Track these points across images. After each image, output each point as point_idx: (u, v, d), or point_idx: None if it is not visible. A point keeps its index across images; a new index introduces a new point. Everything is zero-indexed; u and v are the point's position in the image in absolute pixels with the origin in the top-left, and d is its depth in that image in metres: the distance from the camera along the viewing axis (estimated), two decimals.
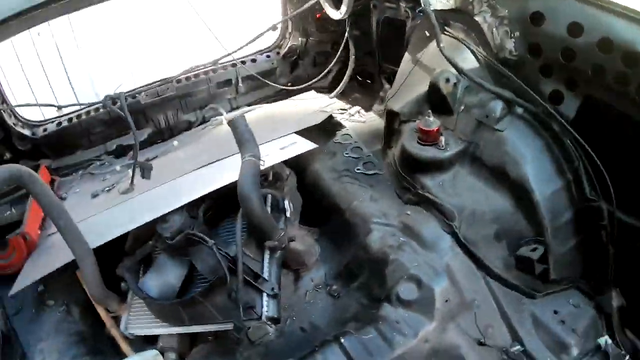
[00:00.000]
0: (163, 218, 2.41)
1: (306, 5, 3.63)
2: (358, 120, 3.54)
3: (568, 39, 2.23)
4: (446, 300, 2.26)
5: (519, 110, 2.47)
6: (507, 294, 2.36)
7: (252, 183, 2.28)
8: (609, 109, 2.20)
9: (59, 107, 3.60)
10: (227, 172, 2.60)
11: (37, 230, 2.78)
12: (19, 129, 3.36)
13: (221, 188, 2.47)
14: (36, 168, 3.12)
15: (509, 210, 2.41)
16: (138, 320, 2.43)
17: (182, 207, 2.44)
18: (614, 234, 2.21)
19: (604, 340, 2.19)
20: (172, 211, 2.41)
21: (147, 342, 2.42)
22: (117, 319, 2.48)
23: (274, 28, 3.89)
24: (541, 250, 2.29)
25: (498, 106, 2.48)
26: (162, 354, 2.31)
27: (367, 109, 3.73)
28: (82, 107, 3.60)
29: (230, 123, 2.51)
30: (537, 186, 2.31)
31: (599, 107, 2.24)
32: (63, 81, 5.87)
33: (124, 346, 2.42)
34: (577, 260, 2.37)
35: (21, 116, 3.42)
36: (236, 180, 2.32)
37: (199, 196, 2.46)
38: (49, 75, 5.77)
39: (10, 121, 3.28)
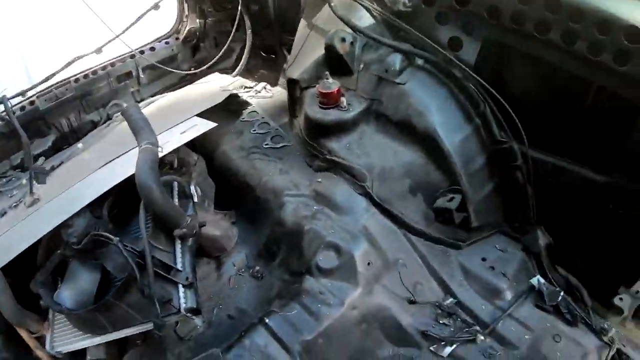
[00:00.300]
0: (66, 223, 2.29)
1: None
2: (264, 96, 3.47)
3: None
4: (368, 264, 2.23)
5: (419, 61, 2.45)
6: (432, 249, 2.35)
7: (150, 171, 2.17)
8: (508, 49, 2.20)
9: None
10: (126, 165, 2.47)
11: None
12: None
13: (124, 182, 2.35)
14: None
15: (420, 162, 2.38)
16: (63, 337, 2.30)
17: (85, 209, 2.32)
18: (529, 173, 2.22)
19: (537, 280, 2.22)
20: (75, 214, 2.29)
21: (77, 357, 2.31)
22: (41, 339, 2.35)
23: (156, 7, 3.75)
24: (458, 199, 2.28)
25: (397, 59, 2.45)
26: None
27: (274, 83, 3.69)
28: None
29: (123, 112, 2.39)
30: (445, 135, 2.29)
31: (498, 48, 2.24)
32: None
33: None
34: (497, 204, 2.37)
35: None
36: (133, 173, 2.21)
37: (98, 195, 2.34)
38: None
39: None
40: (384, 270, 2.25)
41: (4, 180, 3.26)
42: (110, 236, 2.15)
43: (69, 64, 3.52)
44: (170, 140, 2.52)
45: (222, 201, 2.79)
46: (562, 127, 2.19)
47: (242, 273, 2.57)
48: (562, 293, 2.16)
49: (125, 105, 3.42)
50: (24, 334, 2.36)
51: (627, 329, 2.16)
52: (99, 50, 3.59)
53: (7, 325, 2.36)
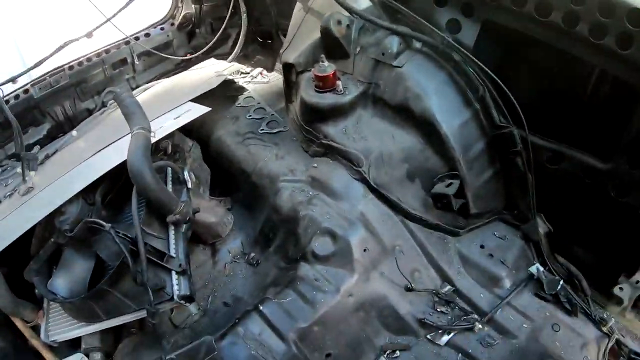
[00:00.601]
0: (59, 210, 2.26)
1: None
2: (261, 81, 3.45)
3: None
4: (365, 250, 2.21)
5: (417, 44, 2.41)
6: (430, 235, 2.33)
7: (142, 156, 2.13)
8: (508, 31, 2.15)
9: None
10: (121, 151, 2.42)
11: None
12: None
13: (117, 168, 2.32)
14: None
15: (418, 147, 2.35)
16: (58, 326, 2.31)
17: (77, 196, 2.29)
18: (529, 159, 2.18)
19: (536, 268, 2.23)
20: (68, 201, 2.26)
21: (72, 346, 2.32)
22: (36, 328, 2.36)
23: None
24: (456, 185, 2.26)
25: (394, 42, 2.42)
26: (87, 355, 2.26)
27: (270, 69, 3.68)
28: None
29: (115, 97, 2.36)
30: (443, 119, 2.25)
31: (498, 31, 2.20)
32: None
33: (48, 355, 2.31)
34: (496, 191, 2.35)
35: None
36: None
37: (91, 181, 2.31)
38: None
39: None
40: (381, 257, 2.23)
41: None
42: (103, 223, 2.12)
43: (60, 48, 3.46)
44: (164, 126, 2.49)
45: (218, 187, 2.78)
46: (563, 113, 2.17)
47: (237, 260, 2.56)
48: (561, 282, 2.15)
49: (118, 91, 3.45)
50: (19, 323, 2.37)
51: (626, 319, 2.15)
52: (89, 35, 3.53)
53: (1, 315, 2.37)
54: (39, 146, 3.26)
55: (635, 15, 1.72)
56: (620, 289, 2.09)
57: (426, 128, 2.30)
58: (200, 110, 2.70)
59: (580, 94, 2.12)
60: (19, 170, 3.05)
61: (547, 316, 2.10)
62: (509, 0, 2.04)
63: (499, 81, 2.14)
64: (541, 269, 2.21)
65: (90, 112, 3.64)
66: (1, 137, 3.40)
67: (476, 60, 2.20)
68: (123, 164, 2.22)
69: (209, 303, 2.38)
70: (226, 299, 2.39)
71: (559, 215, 2.28)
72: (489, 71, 2.17)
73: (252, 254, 2.53)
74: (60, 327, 2.30)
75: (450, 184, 2.27)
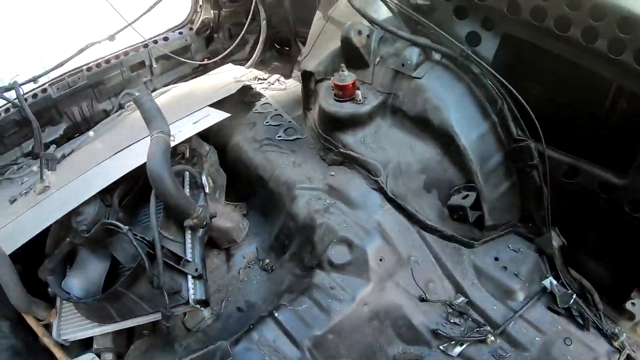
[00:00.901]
0: (76, 211, 2.29)
1: None
2: (278, 88, 3.47)
3: None
4: (381, 260, 2.22)
5: (437, 56, 2.43)
6: (445, 246, 2.34)
7: (162, 160, 2.15)
8: (527, 45, 2.16)
9: None
10: (138, 154, 2.48)
11: None
12: None
13: (135, 171, 2.36)
14: None
15: (436, 158, 2.37)
16: (70, 325, 2.33)
17: (95, 197, 2.32)
18: (546, 172, 2.19)
19: (549, 281, 2.22)
20: (85, 202, 2.29)
21: (84, 346, 2.34)
22: (48, 327, 2.37)
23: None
24: (473, 197, 2.27)
25: (414, 53, 2.43)
26: (99, 356, 2.27)
27: (287, 76, 3.70)
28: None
29: (135, 101, 2.38)
30: (461, 131, 2.27)
31: (517, 45, 2.21)
32: None
33: (59, 354, 2.31)
34: (511, 203, 2.35)
35: None
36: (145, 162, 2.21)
37: (109, 183, 2.35)
38: None
39: None
40: (397, 267, 2.24)
41: (15, 167, 3.30)
42: (120, 225, 2.15)
43: (81, 50, 3.51)
44: (182, 130, 2.53)
45: (233, 192, 2.81)
46: (579, 127, 2.18)
47: (252, 265, 2.57)
48: (574, 296, 2.15)
49: (137, 94, 3.47)
50: (31, 321, 2.39)
51: (638, 335, 2.14)
52: (111, 38, 3.57)
53: (15, 312, 2.38)
54: (55, 145, 3.28)
55: None
56: (633, 304, 2.08)
57: (444, 139, 2.31)
58: (220, 115, 2.73)
59: (597, 108, 2.12)
60: (34, 168, 3.11)
61: (559, 330, 2.09)
62: (529, 15, 2.04)
63: (517, 94, 2.15)
64: (554, 282, 2.21)
65: (107, 114, 3.68)
66: (18, 136, 3.43)
67: (495, 73, 2.21)
68: (141, 167, 2.26)
69: (222, 308, 2.40)
70: (240, 304, 2.40)
71: (573, 228, 2.27)
72: (507, 84, 2.18)
73: (267, 260, 2.55)
74: (73, 326, 2.32)
75: (467, 195, 2.28)
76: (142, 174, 2.26)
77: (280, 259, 2.52)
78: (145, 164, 2.21)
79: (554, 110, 2.20)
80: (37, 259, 2.37)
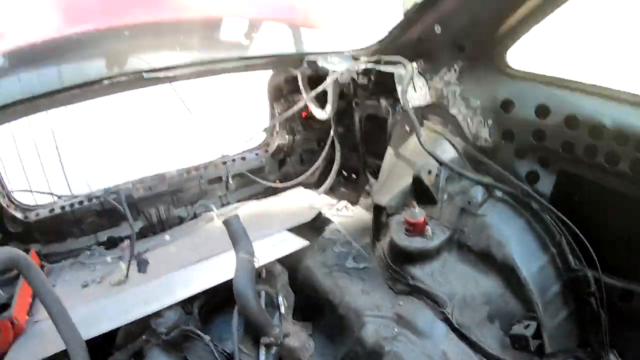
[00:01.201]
0: (158, 313, 2.45)
1: (294, 108, 3.82)
2: (346, 214, 3.61)
3: (537, 121, 2.42)
4: None
5: (499, 193, 2.61)
6: None
7: (247, 280, 2.34)
8: (581, 180, 2.35)
9: (59, 197, 3.67)
10: (221, 269, 2.67)
11: (25, 315, 2.74)
12: (11, 211, 3.39)
13: (217, 285, 2.53)
14: (26, 252, 3.01)
15: (499, 291, 2.47)
16: None
17: (177, 303, 2.48)
18: (603, 298, 2.27)
19: None
20: (167, 307, 2.46)
21: None
22: None
23: (266, 131, 4.13)
24: (534, 326, 2.33)
25: (479, 192, 2.63)
26: None
27: (354, 202, 3.82)
28: (78, 197, 3.64)
29: (225, 222, 2.59)
30: (523, 264, 2.39)
31: (573, 180, 2.40)
32: (56, 168, 6.06)
33: None
34: (570, 330, 2.41)
35: (15, 199, 3.47)
36: (231, 278, 2.39)
37: (194, 293, 2.52)
38: (43, 161, 5.96)
39: (4, 202, 3.33)
40: None
41: (88, 253, 3.51)
42: (201, 334, 2.31)
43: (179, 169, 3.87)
44: (263, 252, 2.69)
45: (299, 312, 2.90)
46: (632, 253, 2.25)
47: None
48: None
49: (212, 206, 3.74)
50: None
51: None
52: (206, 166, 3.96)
53: None
54: (128, 240, 3.50)
55: None
56: None
57: (507, 273, 2.43)
58: (299, 243, 2.92)
59: None
60: (108, 259, 3.36)
61: None
62: (582, 152, 2.24)
63: (574, 227, 2.30)
64: None
65: (181, 220, 3.87)
66: (95, 224, 3.64)
67: (552, 208, 2.38)
68: (223, 282, 2.45)
69: None
70: None
71: (632, 351, 2.30)
72: (564, 218, 2.34)
73: None
74: None
75: (528, 325, 2.34)
76: (220, 288, 2.46)
77: None
78: (228, 280, 2.41)
79: (609, 238, 2.30)
80: (101, 346, 2.47)
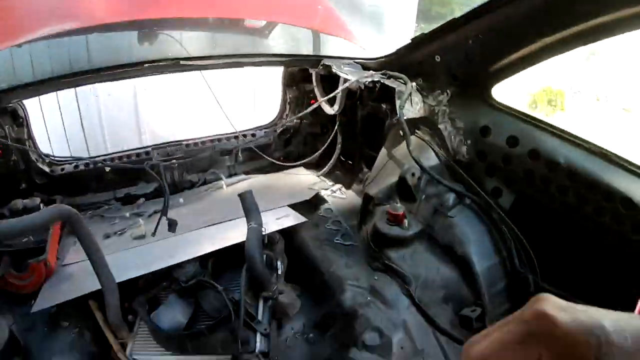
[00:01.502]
0: (179, 265, 2.88)
1: (309, 109, 4.17)
2: (339, 196, 4.05)
3: (507, 148, 2.82)
4: (401, 347, 2.69)
5: (468, 201, 3.08)
6: (454, 348, 2.77)
7: (256, 245, 2.83)
8: (535, 203, 2.80)
9: (95, 163, 3.95)
10: (233, 233, 3.12)
11: (55, 259, 2.99)
12: (39, 164, 3.69)
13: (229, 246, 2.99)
14: (51, 202, 3.38)
15: (455, 279, 2.92)
16: (142, 349, 2.70)
17: (195, 258, 2.93)
18: None
19: None
20: (187, 260, 2.91)
21: None
22: (123, 346, 2.79)
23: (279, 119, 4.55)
24: (479, 312, 2.78)
25: (451, 197, 3.08)
26: None
27: (347, 186, 4.22)
28: (114, 158, 3.99)
29: (240, 196, 3.02)
30: (477, 261, 2.84)
31: (528, 201, 2.85)
32: (77, 130, 6.31)
33: None
34: None
35: (43, 153, 3.79)
36: (242, 240, 2.87)
37: (210, 251, 2.98)
38: (64, 117, 6.22)
39: (33, 156, 3.64)
40: (413, 355, 2.69)
41: (106, 207, 3.89)
42: (216, 284, 2.78)
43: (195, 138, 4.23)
44: (268, 223, 3.14)
45: (290, 275, 3.32)
46: (567, 268, 2.66)
47: (297, 336, 3.02)
48: None
49: (221, 175, 4.18)
50: (111, 338, 2.77)
51: None
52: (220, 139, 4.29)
53: (97, 328, 2.83)
54: (144, 199, 3.95)
55: (627, 202, 2.28)
56: None
57: (463, 266, 2.86)
58: (298, 219, 3.36)
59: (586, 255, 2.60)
60: (127, 214, 3.69)
61: None
62: (539, 180, 2.69)
63: (523, 239, 2.77)
64: None
65: (192, 184, 4.24)
66: (115, 181, 4.00)
67: (508, 220, 2.84)
68: (235, 244, 2.93)
69: None
70: None
71: None
72: (516, 230, 2.80)
73: (311, 334, 3.00)
74: (145, 351, 2.70)
75: (474, 310, 2.78)
76: (233, 250, 2.91)
77: (322, 335, 2.97)
78: (238, 243, 2.90)
79: (551, 253, 2.72)
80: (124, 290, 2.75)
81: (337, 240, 3.46)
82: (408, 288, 2.96)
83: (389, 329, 2.76)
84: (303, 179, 4.28)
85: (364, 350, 2.70)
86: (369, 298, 2.96)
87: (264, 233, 2.99)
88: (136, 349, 2.76)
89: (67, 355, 2.64)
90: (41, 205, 3.20)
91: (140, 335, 2.84)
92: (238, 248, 2.92)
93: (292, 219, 3.40)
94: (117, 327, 2.75)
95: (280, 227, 3.27)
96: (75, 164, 3.90)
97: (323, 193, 4.03)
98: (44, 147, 3.95)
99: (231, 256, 3.02)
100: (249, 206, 3.03)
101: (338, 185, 4.22)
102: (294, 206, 3.60)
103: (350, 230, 3.57)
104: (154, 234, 3.29)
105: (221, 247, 3.00)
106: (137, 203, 4.02)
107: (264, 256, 3.02)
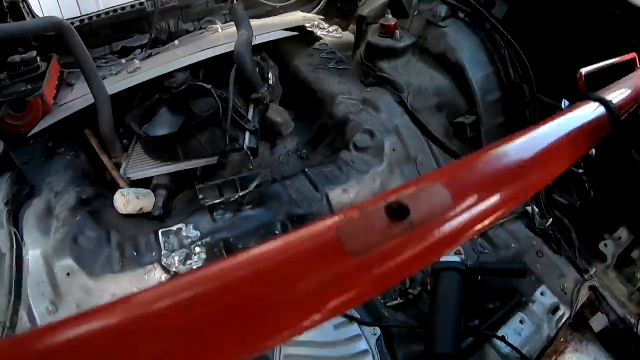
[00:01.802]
0: (170, 74, 2.88)
1: None
2: (335, 36, 4.06)
3: None
4: (394, 150, 2.73)
5: (461, 14, 3.04)
6: (446, 158, 2.84)
7: (246, 47, 2.80)
8: (529, 10, 2.76)
9: (89, 17, 3.83)
10: (223, 45, 3.10)
11: (52, 98, 3.00)
12: None
13: (216, 58, 2.98)
14: (49, 59, 3.31)
15: (449, 87, 2.92)
16: (135, 167, 2.77)
17: (186, 68, 2.92)
18: (535, 111, 2.67)
19: (531, 207, 2.48)
20: (177, 70, 2.89)
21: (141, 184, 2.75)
22: (117, 165, 2.81)
23: None
24: (472, 118, 2.80)
25: (443, 8, 3.06)
26: (154, 191, 2.65)
27: (344, 29, 4.21)
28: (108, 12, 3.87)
29: (231, 9, 3.00)
30: (471, 69, 2.83)
31: (522, 11, 2.80)
32: None
33: (122, 183, 2.72)
34: (505, 135, 2.86)
35: (34, 12, 3.71)
36: (231, 50, 2.83)
37: (202, 59, 2.96)
38: None
39: (28, 18, 3.56)
40: (405, 160, 2.73)
41: (103, 61, 3.78)
42: (205, 85, 2.74)
43: None
44: (261, 35, 3.14)
45: (286, 105, 3.33)
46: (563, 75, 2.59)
47: (290, 154, 3.09)
48: (551, 219, 2.37)
49: (217, 21, 4.02)
50: (104, 158, 2.85)
51: (609, 279, 2.25)
52: None
53: (93, 151, 2.88)
54: (140, 49, 3.84)
55: None
56: (605, 245, 2.25)
57: (457, 73, 2.86)
58: (290, 33, 3.35)
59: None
60: (123, 61, 3.61)
61: (534, 244, 2.34)
62: None
63: (517, 47, 2.72)
64: (536, 210, 2.43)
65: (188, 32, 4.11)
66: (110, 36, 3.91)
67: (502, 29, 2.79)
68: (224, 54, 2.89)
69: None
70: (276, 177, 2.77)
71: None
72: (510, 38, 2.76)
73: (304, 151, 3.06)
74: (138, 168, 2.75)
75: (468, 117, 2.80)
76: (224, 59, 2.86)
77: (315, 149, 3.03)
78: (229, 51, 2.84)
79: (547, 62, 2.67)
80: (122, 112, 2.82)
81: (331, 65, 3.45)
82: (400, 95, 2.98)
83: (380, 132, 2.79)
84: (300, 17, 4.15)
85: (355, 150, 2.74)
86: (361, 107, 2.99)
87: (255, 41, 2.97)
88: (131, 168, 2.80)
89: (62, 174, 2.67)
90: (37, 58, 3.17)
91: (135, 155, 2.88)
92: (229, 59, 2.89)
93: (282, 32, 3.39)
94: (111, 142, 2.79)
95: (273, 38, 3.28)
96: (70, 21, 3.73)
97: (320, 33, 4.01)
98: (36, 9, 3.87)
99: (222, 66, 2.99)
100: (239, 17, 3.00)
101: (335, 27, 4.21)
102: (286, 42, 3.57)
103: (344, 58, 3.55)
104: (139, 67, 3.23)
105: (212, 55, 2.99)
106: (133, 54, 3.92)
107: (255, 63, 3.00)
